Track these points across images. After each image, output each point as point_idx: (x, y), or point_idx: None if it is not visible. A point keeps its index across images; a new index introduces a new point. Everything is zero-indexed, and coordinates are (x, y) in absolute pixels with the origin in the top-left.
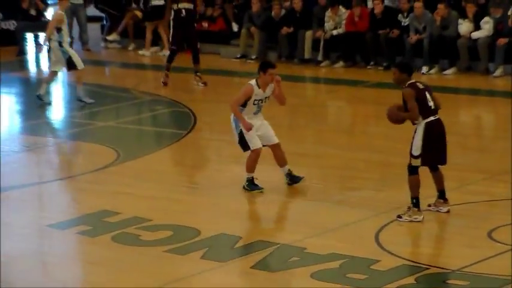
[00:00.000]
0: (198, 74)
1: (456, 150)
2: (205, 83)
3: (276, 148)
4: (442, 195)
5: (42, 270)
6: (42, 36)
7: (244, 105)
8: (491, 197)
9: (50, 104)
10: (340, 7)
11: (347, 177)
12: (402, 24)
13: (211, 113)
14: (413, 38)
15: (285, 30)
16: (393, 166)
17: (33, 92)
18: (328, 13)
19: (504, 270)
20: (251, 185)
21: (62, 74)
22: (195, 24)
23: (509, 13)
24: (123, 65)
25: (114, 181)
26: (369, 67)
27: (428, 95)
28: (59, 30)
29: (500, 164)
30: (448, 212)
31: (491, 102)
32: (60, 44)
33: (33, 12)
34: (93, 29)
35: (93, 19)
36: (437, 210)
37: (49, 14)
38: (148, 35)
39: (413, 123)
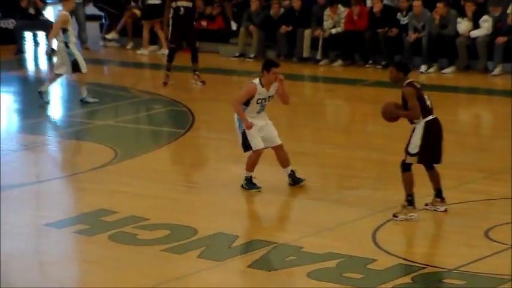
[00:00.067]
0: (196, 72)
1: (455, 149)
2: (203, 82)
3: (278, 149)
4: (439, 194)
5: (39, 269)
6: (40, 34)
7: (247, 104)
8: (489, 195)
9: (47, 103)
10: (339, 6)
11: (345, 176)
12: (401, 22)
13: (209, 111)
14: (412, 36)
15: (283, 28)
16: (391, 165)
17: (31, 90)
18: (327, 12)
19: (501, 270)
20: (249, 184)
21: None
22: (194, 23)
23: (508, 11)
24: (121, 63)
25: (111, 180)
26: (367, 66)
27: (425, 95)
28: (64, 31)
29: (499, 162)
30: (445, 211)
31: (490, 101)
32: (67, 44)
33: (32, 11)
34: (92, 27)
35: (92, 18)
36: (435, 209)
37: (48, 12)
38: (146, 34)
39: (412, 122)
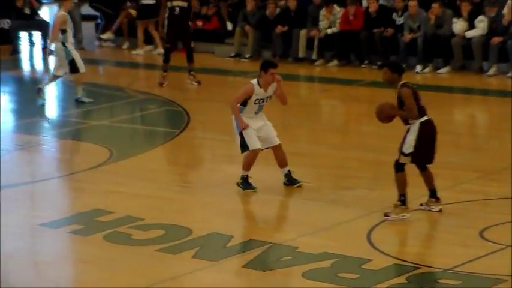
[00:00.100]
0: (192, 72)
1: (450, 149)
2: (199, 82)
3: (277, 149)
4: (433, 194)
5: (34, 269)
6: (36, 34)
7: (245, 104)
8: (484, 196)
9: (43, 100)
10: (335, 6)
11: (340, 176)
12: (397, 23)
13: (205, 112)
14: (407, 36)
15: (279, 29)
16: (386, 165)
17: (27, 90)
18: (323, 12)
19: (496, 270)
20: (245, 183)
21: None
22: (190, 23)
23: (503, 12)
24: (117, 63)
25: (107, 180)
26: (363, 66)
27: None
28: (63, 31)
29: (493, 163)
30: (440, 211)
31: (485, 101)
32: (64, 44)
33: (27, 11)
34: (88, 27)
35: (87, 18)
36: (430, 210)
37: (43, 12)
38: (140, 34)
39: (407, 123)
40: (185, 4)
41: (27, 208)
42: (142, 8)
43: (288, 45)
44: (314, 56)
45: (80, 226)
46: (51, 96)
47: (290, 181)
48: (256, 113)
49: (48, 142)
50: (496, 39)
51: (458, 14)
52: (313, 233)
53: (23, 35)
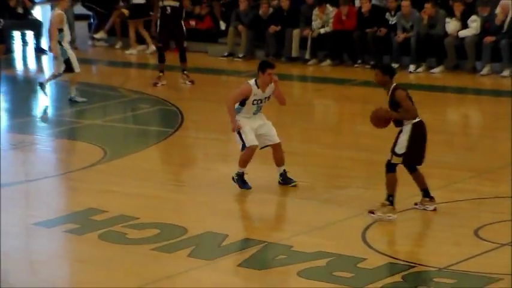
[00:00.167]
0: (185, 72)
1: (443, 149)
2: (192, 82)
3: (276, 147)
4: (426, 194)
5: (29, 269)
6: (29, 34)
7: (243, 104)
8: (478, 195)
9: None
10: (328, 6)
11: (334, 175)
12: (389, 22)
13: (198, 111)
14: (400, 36)
15: (272, 28)
16: (380, 164)
17: (20, 90)
18: (316, 12)
19: (490, 268)
20: (240, 181)
21: (52, 72)
22: (182, 22)
23: (496, 11)
24: (110, 63)
25: (101, 179)
26: (356, 66)
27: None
28: (59, 30)
29: (487, 162)
30: (434, 210)
31: (478, 100)
32: (60, 43)
33: (20, 10)
34: (81, 27)
35: (80, 17)
36: (424, 209)
37: (36, 12)
38: (132, 34)
39: (398, 125)
40: (176, 4)
41: (22, 207)
42: (133, 7)
43: (281, 44)
44: (307, 56)
45: (74, 225)
46: (44, 95)
47: (284, 180)
48: (254, 113)
49: (42, 141)
50: (488, 39)
51: (451, 14)
52: (308, 232)
53: (16, 35)
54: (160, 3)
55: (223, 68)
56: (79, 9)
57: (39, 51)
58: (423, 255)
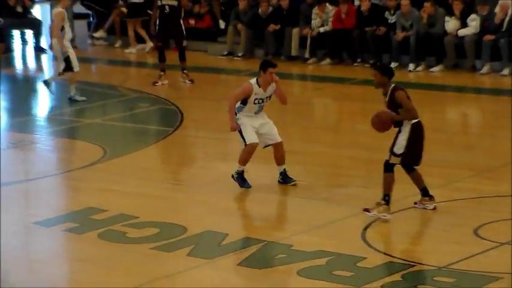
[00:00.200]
0: (185, 71)
1: (443, 148)
2: (192, 80)
3: (278, 146)
4: (425, 193)
5: (28, 268)
6: (28, 33)
7: (245, 103)
8: (478, 194)
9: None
10: (327, 4)
11: (333, 174)
12: (389, 21)
13: (198, 110)
14: (400, 35)
15: (271, 27)
16: (379, 163)
17: (20, 89)
18: (315, 10)
19: (490, 267)
20: (240, 179)
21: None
22: (181, 21)
23: (495, 10)
24: (109, 62)
25: (100, 178)
26: (355, 64)
27: None
28: (61, 28)
29: (487, 161)
30: (434, 209)
31: (478, 99)
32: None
33: (19, 9)
34: (80, 26)
35: (79, 16)
36: (424, 208)
37: (36, 11)
38: (131, 33)
39: (396, 126)
40: (175, 3)
41: (21, 206)
42: (131, 6)
43: (281, 43)
44: (307, 55)
45: (74, 224)
46: (44, 94)
47: (284, 179)
48: (256, 113)
49: (42, 140)
50: (488, 37)
51: (450, 13)
52: (307, 231)
53: (16, 34)
54: (159, 2)
55: (223, 66)
56: (78, 8)
57: (38, 50)
58: (423, 254)
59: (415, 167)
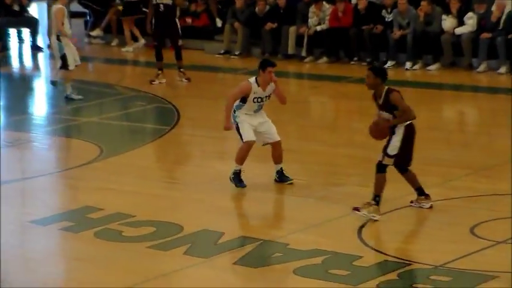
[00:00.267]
0: (181, 70)
1: (440, 146)
2: (189, 79)
3: (276, 145)
4: (421, 192)
5: (25, 267)
6: (25, 31)
7: (244, 101)
8: (474, 192)
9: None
10: (324, 3)
11: (330, 173)
12: (386, 19)
13: (194, 108)
14: (397, 33)
15: (268, 26)
16: (376, 162)
17: (16, 87)
18: (312, 9)
19: (487, 266)
20: (236, 179)
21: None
22: (177, 20)
23: (492, 9)
24: (106, 60)
25: (97, 177)
26: (352, 63)
27: None
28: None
29: (483, 159)
30: (430, 207)
31: (474, 97)
32: (58, 38)
33: (16, 7)
34: (77, 24)
35: (76, 15)
36: (420, 207)
37: (32, 9)
38: (127, 32)
39: (391, 127)
40: (169, 1)
41: (18, 205)
42: (127, 5)
43: (278, 42)
44: (303, 53)
45: (70, 223)
46: (40, 93)
47: (281, 178)
48: (255, 111)
49: (38, 139)
50: (485, 35)
51: (447, 11)
52: (304, 229)
53: (12, 32)
54: (154, 1)
55: (220, 65)
56: (75, 6)
57: (35, 48)
58: (419, 253)
59: (408, 168)
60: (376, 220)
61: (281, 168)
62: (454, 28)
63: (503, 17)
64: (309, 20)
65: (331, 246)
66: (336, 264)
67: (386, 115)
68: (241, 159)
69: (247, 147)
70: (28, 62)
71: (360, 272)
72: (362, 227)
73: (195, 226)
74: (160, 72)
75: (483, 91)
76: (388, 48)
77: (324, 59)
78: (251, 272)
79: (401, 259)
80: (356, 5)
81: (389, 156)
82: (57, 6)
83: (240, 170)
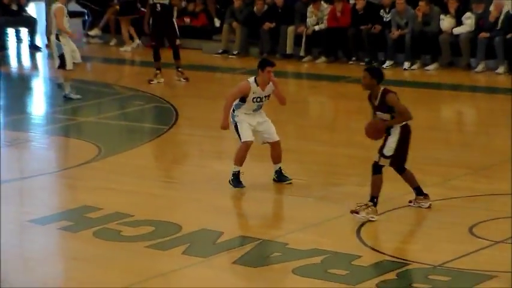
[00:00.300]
0: (179, 69)
1: (438, 146)
2: (187, 79)
3: (275, 145)
4: (419, 192)
5: (23, 266)
6: (23, 31)
7: (244, 100)
8: (473, 192)
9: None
10: (322, 2)
11: (329, 172)
12: (384, 19)
13: (192, 108)
14: (395, 33)
15: (267, 25)
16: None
17: (14, 87)
18: (310, 8)
19: (485, 266)
20: (235, 181)
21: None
22: (174, 20)
23: (490, 9)
24: (104, 60)
25: (95, 176)
26: (350, 62)
27: None
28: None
29: (482, 159)
30: (429, 207)
31: (473, 97)
32: (57, 37)
33: (14, 7)
34: (75, 24)
35: (74, 14)
36: (419, 206)
37: (30, 9)
38: (125, 31)
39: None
40: (166, 1)
41: (16, 204)
42: (124, 4)
43: (276, 41)
44: (302, 53)
45: (69, 223)
46: (39, 93)
47: (279, 178)
48: (254, 111)
49: (37, 139)
50: (483, 35)
51: (445, 11)
52: (303, 229)
53: (10, 32)
54: (151, 1)
55: (218, 65)
56: (73, 6)
57: (33, 48)
58: (418, 253)
59: (406, 168)
60: (374, 220)
61: (280, 168)
62: (452, 28)
63: (501, 17)
64: (307, 19)
65: (330, 246)
66: (335, 263)
67: (384, 116)
68: (239, 160)
69: (245, 147)
70: (26, 61)
71: (358, 272)
72: (361, 226)
73: (193, 226)
74: (158, 71)
75: (481, 91)
76: (386, 48)
77: (322, 58)
78: (250, 272)
79: (400, 259)
80: (354, 4)
81: (386, 157)
82: (57, 5)
83: (238, 172)
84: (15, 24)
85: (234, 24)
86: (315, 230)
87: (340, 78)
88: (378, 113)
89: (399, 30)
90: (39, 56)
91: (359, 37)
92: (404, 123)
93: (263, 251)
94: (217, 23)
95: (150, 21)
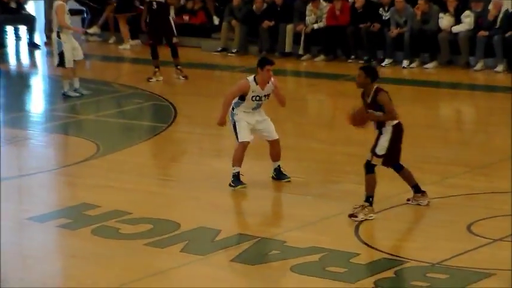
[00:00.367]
0: (178, 67)
1: (437, 144)
2: (186, 77)
3: (274, 143)
4: (417, 189)
5: (22, 264)
6: (22, 29)
7: (243, 99)
8: (471, 190)
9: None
10: (321, 1)
11: (328, 170)
12: (383, 18)
13: (191, 106)
14: (394, 31)
15: (266, 23)
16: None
17: (13, 84)
18: (309, 7)
19: (484, 264)
20: (236, 181)
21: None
22: (170, 18)
23: (489, 7)
24: (103, 58)
25: (94, 174)
26: (349, 61)
27: None
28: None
29: (481, 157)
30: (427, 204)
31: (472, 95)
32: (58, 34)
33: (13, 5)
34: (74, 22)
35: (73, 12)
36: (417, 204)
37: (29, 7)
38: (123, 29)
39: (379, 127)
40: None
41: (15, 202)
42: (121, 2)
43: (275, 40)
44: (301, 51)
45: (67, 220)
46: (37, 90)
47: (278, 176)
48: (253, 109)
49: (35, 136)
50: (482, 33)
51: (444, 9)
52: (301, 227)
53: (9, 30)
54: None
55: (217, 63)
56: (72, 4)
57: (32, 46)
58: (416, 251)
59: (404, 166)
60: (373, 219)
61: (279, 165)
62: (451, 26)
63: (500, 15)
64: (307, 18)
65: (329, 244)
66: (333, 261)
67: (378, 114)
68: (238, 160)
69: (242, 148)
70: (25, 59)
71: (357, 270)
72: (359, 225)
73: (192, 223)
74: (157, 70)
75: (480, 89)
76: (385, 46)
77: (321, 57)
78: (248, 270)
79: (399, 257)
80: (353, 3)
81: (378, 156)
82: (58, 3)
83: (238, 172)
84: (14, 22)
85: (233, 22)
86: (313, 228)
87: (339, 76)
88: (369, 110)
89: (398, 28)
90: (38, 54)
91: (358, 35)
92: (396, 122)
93: (261, 249)
94: (216, 21)
95: (147, 19)
